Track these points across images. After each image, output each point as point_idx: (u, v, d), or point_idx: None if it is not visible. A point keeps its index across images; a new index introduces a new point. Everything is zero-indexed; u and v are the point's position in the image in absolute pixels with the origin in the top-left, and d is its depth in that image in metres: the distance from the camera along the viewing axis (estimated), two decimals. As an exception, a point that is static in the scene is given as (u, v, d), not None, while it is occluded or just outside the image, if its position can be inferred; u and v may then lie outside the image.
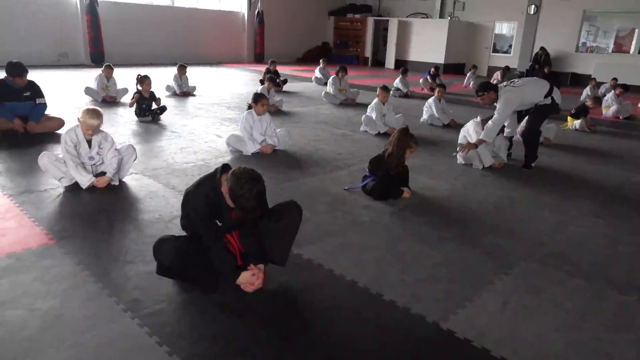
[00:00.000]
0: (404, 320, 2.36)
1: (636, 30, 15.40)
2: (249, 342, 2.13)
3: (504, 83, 5.26)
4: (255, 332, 2.21)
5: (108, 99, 8.14)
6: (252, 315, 2.34)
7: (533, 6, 16.47)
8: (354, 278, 2.72)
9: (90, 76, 8.37)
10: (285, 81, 11.34)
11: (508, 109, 5.04)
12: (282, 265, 2.65)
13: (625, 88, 9.43)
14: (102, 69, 8.31)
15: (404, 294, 2.59)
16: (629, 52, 15.66)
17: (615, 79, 12.61)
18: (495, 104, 5.08)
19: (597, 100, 8.43)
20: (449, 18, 18.47)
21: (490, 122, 5.03)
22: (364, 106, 7.45)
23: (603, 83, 13.09)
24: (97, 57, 13.66)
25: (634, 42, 15.53)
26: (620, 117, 9.17)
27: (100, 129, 3.95)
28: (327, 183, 4.45)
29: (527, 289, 2.72)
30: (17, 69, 5.44)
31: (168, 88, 9.54)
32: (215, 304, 2.40)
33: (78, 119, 3.83)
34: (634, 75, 14.01)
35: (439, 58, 17.71)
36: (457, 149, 5.42)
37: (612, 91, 9.55)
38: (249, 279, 2.49)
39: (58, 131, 5.82)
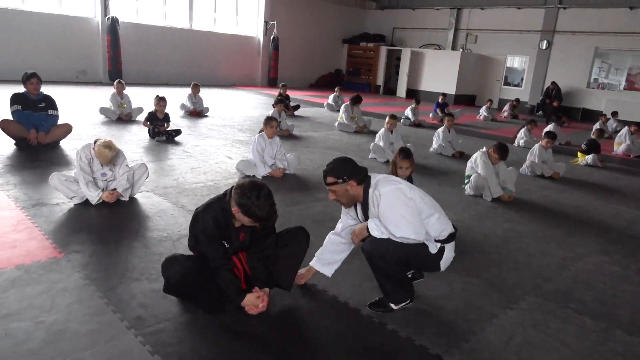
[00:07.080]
0: (407, 351, 2.34)
1: (648, 69, 15.48)
2: (250, 365, 2.13)
3: None
4: (256, 356, 2.20)
5: (123, 117, 8.28)
6: (253, 339, 2.34)
7: (545, 42, 16.65)
8: (357, 305, 2.71)
9: (108, 93, 8.54)
10: (297, 107, 11.49)
11: None
12: (287, 290, 2.67)
13: None
14: (114, 85, 8.45)
15: (408, 324, 2.57)
16: (640, 90, 15.71)
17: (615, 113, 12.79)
18: None
19: (601, 132, 8.72)
20: (462, 50, 18.72)
21: None
22: (375, 134, 7.50)
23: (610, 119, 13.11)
24: (115, 75, 13.93)
25: (646, 81, 15.60)
26: (631, 155, 9.14)
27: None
28: (334, 209, 4.45)
29: (532, 324, 2.69)
30: (26, 75, 5.76)
31: (182, 107, 9.72)
32: (217, 325, 2.40)
33: (92, 148, 3.92)
34: (644, 113, 14.00)
35: (450, 89, 17.87)
36: (466, 181, 5.41)
37: (627, 128, 9.52)
38: (254, 301, 2.50)
39: (64, 140, 6.03)
